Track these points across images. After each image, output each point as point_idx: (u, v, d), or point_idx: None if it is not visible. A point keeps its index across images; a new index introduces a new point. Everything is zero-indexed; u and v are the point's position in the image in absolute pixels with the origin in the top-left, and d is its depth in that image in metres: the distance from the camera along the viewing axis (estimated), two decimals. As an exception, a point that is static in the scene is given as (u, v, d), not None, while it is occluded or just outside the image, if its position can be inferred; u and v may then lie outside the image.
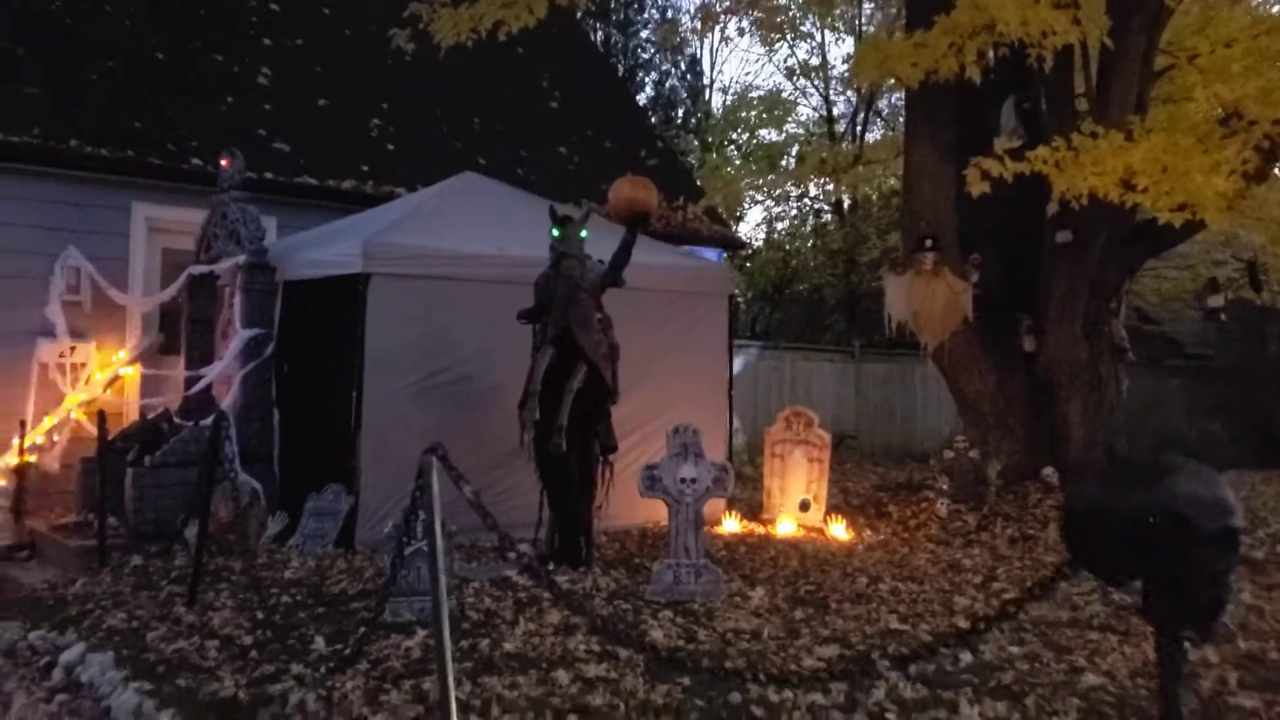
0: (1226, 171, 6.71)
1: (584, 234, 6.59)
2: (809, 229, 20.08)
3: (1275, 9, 9.01)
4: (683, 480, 5.82)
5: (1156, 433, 13.86)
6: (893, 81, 10.42)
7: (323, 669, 4.56)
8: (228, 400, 7.84)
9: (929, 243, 8.59)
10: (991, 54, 7.85)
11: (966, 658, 4.80)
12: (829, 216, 19.62)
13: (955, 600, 5.96)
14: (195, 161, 9.37)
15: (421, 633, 4.99)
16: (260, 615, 5.42)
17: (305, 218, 9.63)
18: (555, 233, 6.60)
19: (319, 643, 4.94)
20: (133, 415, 8.83)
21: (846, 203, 18.40)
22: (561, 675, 4.43)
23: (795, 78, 18.12)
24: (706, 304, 8.67)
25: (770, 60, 29.06)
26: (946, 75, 6.99)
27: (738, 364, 10.28)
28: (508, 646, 4.81)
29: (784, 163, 19.83)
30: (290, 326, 7.92)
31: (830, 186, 18.60)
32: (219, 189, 8.35)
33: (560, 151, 12.59)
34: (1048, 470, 8.38)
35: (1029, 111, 9.25)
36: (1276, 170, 9.10)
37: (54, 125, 8.89)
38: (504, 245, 7.83)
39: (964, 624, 5.36)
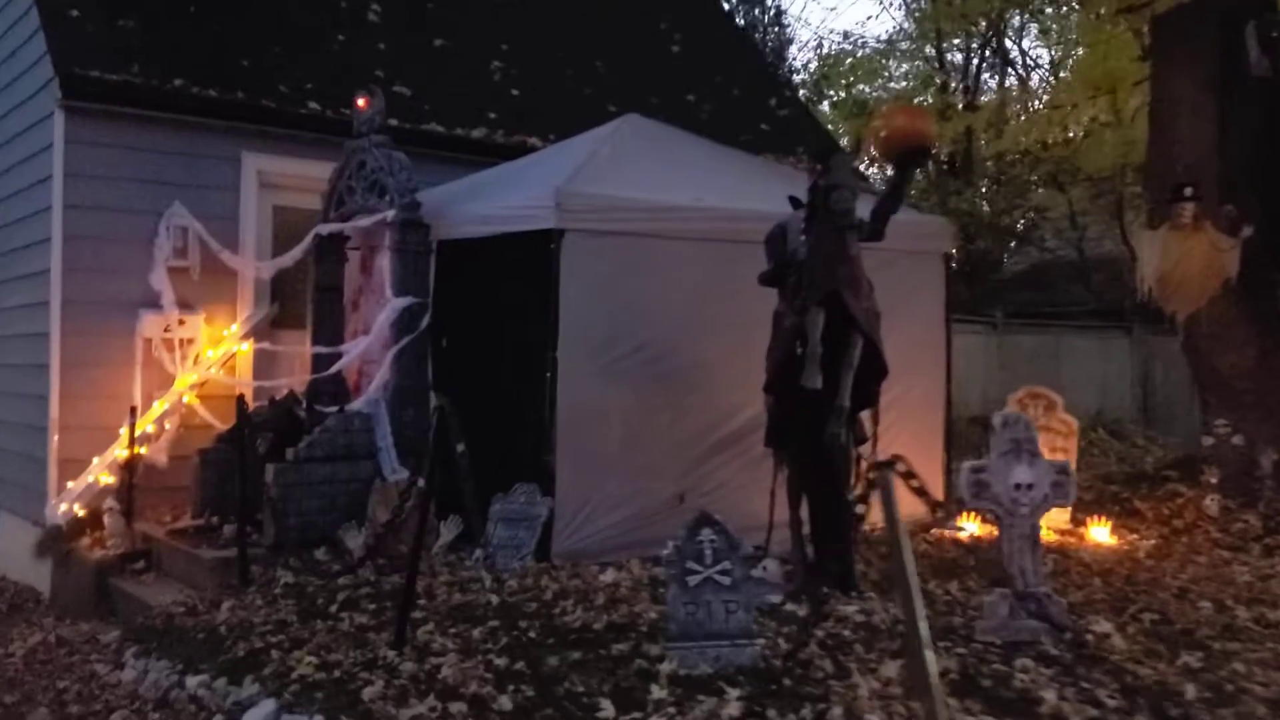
0: None
1: (855, 164, 5.28)
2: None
3: None
4: (1017, 486, 4.54)
5: None
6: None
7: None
8: (377, 382, 6.65)
9: (1188, 191, 7.25)
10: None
11: None
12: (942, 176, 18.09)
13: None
14: (312, 105, 8.10)
15: (733, 693, 3.76)
16: (496, 660, 4.22)
17: (429, 170, 8.31)
18: (820, 164, 5.28)
19: (605, 707, 3.72)
20: (246, 398, 7.59)
21: (969, 161, 16.88)
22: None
23: (922, 21, 16.54)
24: (925, 264, 7.39)
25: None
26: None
27: None
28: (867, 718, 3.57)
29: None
30: (448, 294, 6.69)
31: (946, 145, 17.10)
32: (355, 134, 7.12)
33: (689, 99, 11.25)
34: (1333, 460, 7.06)
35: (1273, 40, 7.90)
36: None
37: (155, 63, 7.63)
38: (699, 196, 6.59)
39: None
